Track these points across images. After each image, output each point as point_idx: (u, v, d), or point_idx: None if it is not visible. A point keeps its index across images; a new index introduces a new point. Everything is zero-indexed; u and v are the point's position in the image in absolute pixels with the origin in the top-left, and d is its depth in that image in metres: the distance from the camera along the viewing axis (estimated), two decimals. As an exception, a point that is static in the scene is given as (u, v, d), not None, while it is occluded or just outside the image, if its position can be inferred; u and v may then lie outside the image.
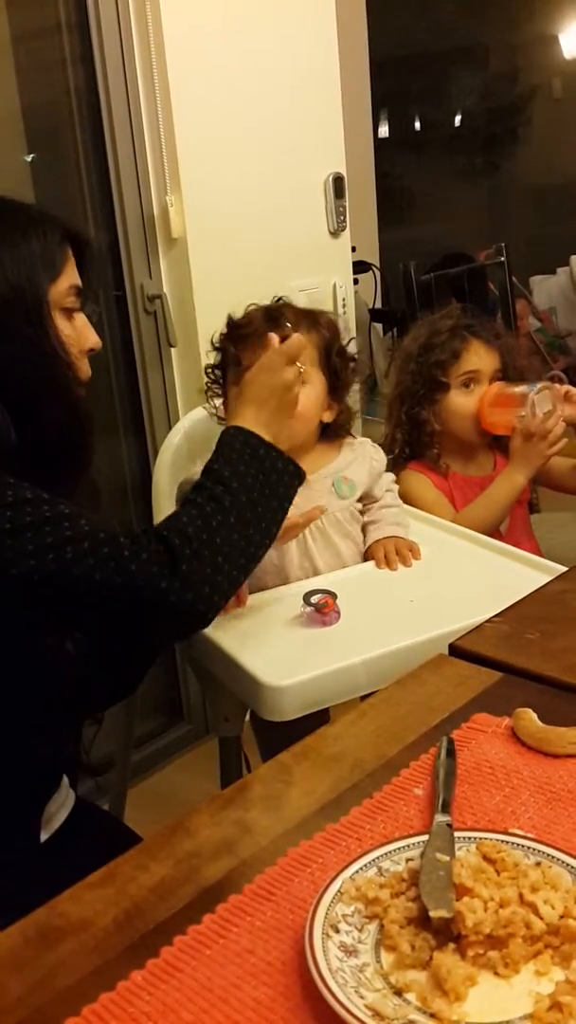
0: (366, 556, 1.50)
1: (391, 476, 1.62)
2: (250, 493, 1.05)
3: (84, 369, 1.08)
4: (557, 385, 1.73)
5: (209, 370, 1.54)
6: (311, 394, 1.46)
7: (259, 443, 1.10)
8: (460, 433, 1.79)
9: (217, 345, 1.51)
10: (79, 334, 1.07)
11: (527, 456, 1.69)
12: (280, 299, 1.56)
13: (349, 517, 1.52)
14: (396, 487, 1.61)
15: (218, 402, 1.55)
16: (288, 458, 1.12)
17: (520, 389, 1.71)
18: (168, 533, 0.98)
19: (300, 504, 1.44)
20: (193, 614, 0.99)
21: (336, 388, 1.50)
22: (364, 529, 1.54)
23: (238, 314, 1.51)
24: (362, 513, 1.55)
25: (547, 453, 1.68)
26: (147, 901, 0.71)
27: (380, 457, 1.59)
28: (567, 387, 1.74)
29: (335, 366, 1.49)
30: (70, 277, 1.05)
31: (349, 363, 1.52)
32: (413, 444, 1.82)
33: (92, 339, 1.09)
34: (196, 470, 1.50)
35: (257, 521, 1.05)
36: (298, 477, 1.13)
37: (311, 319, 1.48)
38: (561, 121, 5.30)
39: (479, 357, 1.77)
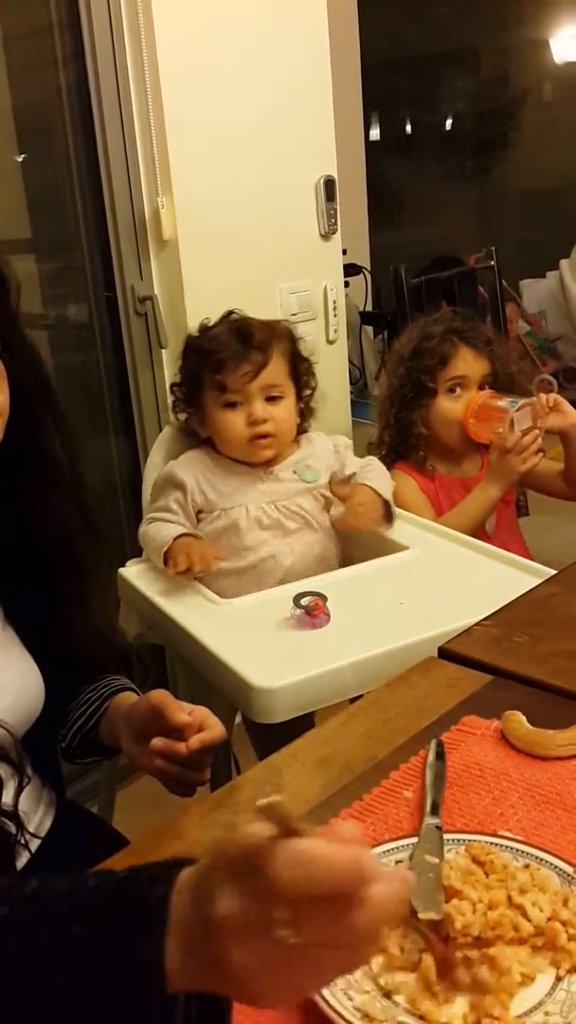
0: (339, 491, 1.57)
1: (377, 463, 1.66)
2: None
3: None
4: (544, 396, 1.75)
5: (176, 389, 1.62)
6: (290, 404, 1.56)
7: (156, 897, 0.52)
8: (446, 437, 1.82)
9: (190, 368, 1.57)
10: None
11: (501, 471, 1.73)
12: (231, 312, 1.63)
13: (315, 504, 1.57)
14: (380, 464, 1.66)
15: (183, 416, 1.64)
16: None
17: (502, 403, 1.74)
18: None
19: (265, 490, 1.55)
20: None
21: (301, 394, 1.60)
22: (329, 510, 1.59)
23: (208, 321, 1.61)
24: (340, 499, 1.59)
25: (519, 470, 1.71)
26: (137, 903, 0.71)
27: (342, 440, 1.66)
28: (555, 396, 1.76)
29: (300, 371, 1.59)
30: None
31: (307, 369, 1.61)
32: (400, 446, 1.85)
33: None
34: (151, 509, 1.57)
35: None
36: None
37: (276, 337, 1.55)
38: (551, 125, 5.32)
39: (467, 363, 1.80)
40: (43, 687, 0.98)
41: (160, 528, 1.52)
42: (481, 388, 1.80)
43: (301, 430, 1.64)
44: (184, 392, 1.62)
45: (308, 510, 1.57)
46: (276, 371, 1.54)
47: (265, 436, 1.53)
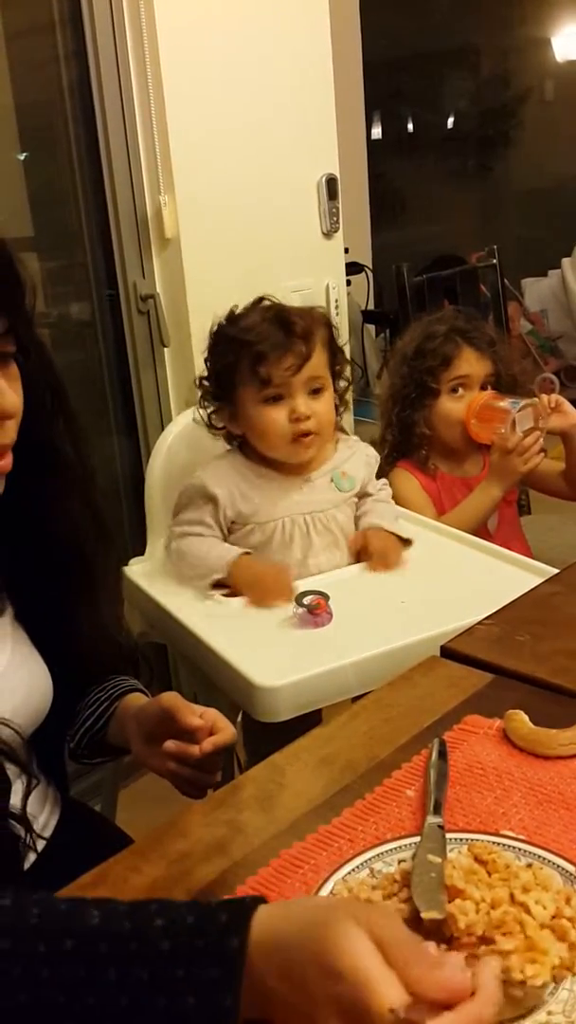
0: (354, 546, 1.50)
1: (383, 479, 1.64)
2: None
3: None
4: (545, 397, 1.75)
5: (205, 382, 1.50)
6: (331, 397, 1.46)
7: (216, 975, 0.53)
8: (448, 437, 1.82)
9: (223, 360, 1.45)
10: None
11: (503, 472, 1.72)
12: (262, 299, 1.51)
13: (349, 513, 1.52)
14: (389, 489, 1.62)
15: (206, 412, 1.52)
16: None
17: (504, 404, 1.74)
18: None
19: (301, 501, 1.47)
20: None
21: (336, 387, 1.50)
22: (356, 521, 1.54)
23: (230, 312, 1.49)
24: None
25: (521, 470, 1.71)
26: (140, 902, 0.71)
27: (373, 453, 1.61)
28: (556, 397, 1.76)
29: (338, 362, 1.49)
30: None
31: (343, 359, 1.52)
32: (403, 445, 1.85)
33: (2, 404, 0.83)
34: (179, 521, 1.47)
35: None
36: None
37: (315, 320, 1.45)
38: (553, 124, 5.31)
39: (469, 364, 1.80)
40: (51, 687, 0.97)
41: (199, 545, 1.44)
42: (483, 388, 1.80)
43: (337, 427, 1.55)
44: (214, 386, 1.49)
45: (341, 524, 1.50)
46: (319, 363, 1.43)
47: (308, 434, 1.43)
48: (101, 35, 1.86)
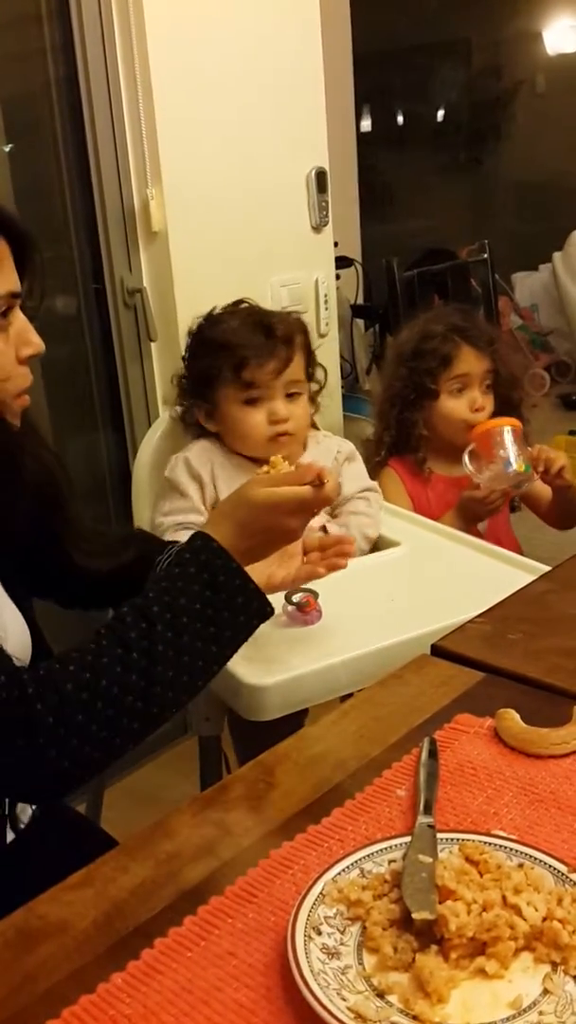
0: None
1: (367, 481, 1.62)
2: (179, 637, 0.85)
3: (18, 381, 0.92)
4: (540, 457, 1.70)
5: (184, 380, 1.54)
6: (305, 406, 1.51)
7: (224, 565, 0.89)
8: (449, 436, 1.81)
9: (203, 360, 1.49)
10: (18, 340, 0.91)
11: (467, 512, 1.74)
12: (241, 301, 1.56)
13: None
14: (373, 494, 1.61)
15: (182, 407, 1.57)
16: (255, 590, 0.91)
17: (503, 453, 1.67)
18: (35, 689, 0.80)
19: None
20: (42, 792, 0.85)
21: (312, 392, 1.55)
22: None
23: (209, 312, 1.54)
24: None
25: (483, 517, 1.75)
26: (127, 903, 0.70)
27: (345, 448, 1.61)
28: (557, 462, 1.71)
29: (312, 368, 1.54)
30: (3, 279, 0.89)
31: (315, 359, 1.56)
32: (399, 446, 1.84)
33: (32, 345, 0.92)
34: (168, 511, 1.49)
35: (176, 675, 0.84)
36: (261, 616, 0.93)
37: (294, 326, 1.49)
38: (544, 117, 5.32)
39: (468, 363, 1.79)
40: (29, 640, 0.97)
41: None
42: (483, 385, 1.80)
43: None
44: (192, 385, 1.54)
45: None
46: (298, 367, 1.50)
47: (285, 434, 1.48)
48: (88, 27, 1.85)
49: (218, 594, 0.88)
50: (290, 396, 1.49)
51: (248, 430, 1.48)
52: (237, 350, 1.46)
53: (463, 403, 1.78)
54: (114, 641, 0.83)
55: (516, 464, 1.66)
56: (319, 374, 1.59)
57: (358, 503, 1.57)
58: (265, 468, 1.05)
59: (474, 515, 1.74)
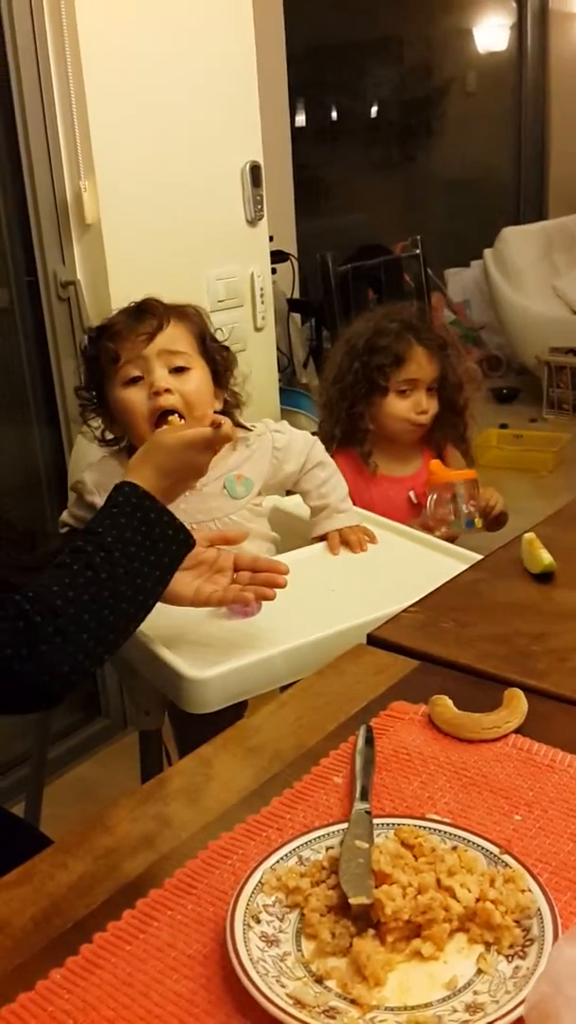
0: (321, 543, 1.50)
1: (320, 449, 1.58)
2: (131, 563, 1.00)
3: None
4: (479, 525, 1.74)
5: (83, 391, 1.47)
6: (201, 379, 1.41)
7: (152, 506, 1.04)
8: (392, 434, 1.86)
9: (90, 358, 1.44)
10: None
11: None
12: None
13: (249, 515, 1.49)
14: (327, 459, 1.58)
15: (96, 423, 1.48)
16: (180, 524, 1.06)
17: (461, 512, 1.72)
18: (31, 606, 0.93)
19: (190, 511, 1.39)
20: (47, 696, 0.97)
21: (217, 374, 1.46)
22: (313, 514, 1.53)
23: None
24: (290, 493, 1.54)
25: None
26: (66, 899, 0.70)
27: (282, 439, 1.53)
28: (497, 506, 1.77)
29: (212, 351, 1.45)
30: None
31: (223, 348, 1.48)
32: (347, 438, 1.87)
33: None
34: (76, 514, 1.46)
35: (134, 594, 1.00)
36: (187, 546, 1.07)
37: (179, 311, 1.44)
38: (475, 115, 5.38)
39: (419, 367, 1.83)
40: None
41: None
42: (430, 390, 1.83)
43: (235, 423, 1.46)
44: (89, 393, 1.46)
45: (240, 522, 1.45)
46: (176, 336, 1.39)
47: (170, 412, 1.35)
48: (19, 17, 1.81)
49: (152, 528, 1.02)
50: (176, 371, 1.38)
51: (129, 410, 1.38)
52: (108, 329, 1.41)
53: (408, 404, 1.83)
54: (83, 566, 0.98)
55: (475, 523, 1.73)
56: (230, 360, 1.49)
57: (316, 473, 1.54)
58: (164, 428, 1.17)
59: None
